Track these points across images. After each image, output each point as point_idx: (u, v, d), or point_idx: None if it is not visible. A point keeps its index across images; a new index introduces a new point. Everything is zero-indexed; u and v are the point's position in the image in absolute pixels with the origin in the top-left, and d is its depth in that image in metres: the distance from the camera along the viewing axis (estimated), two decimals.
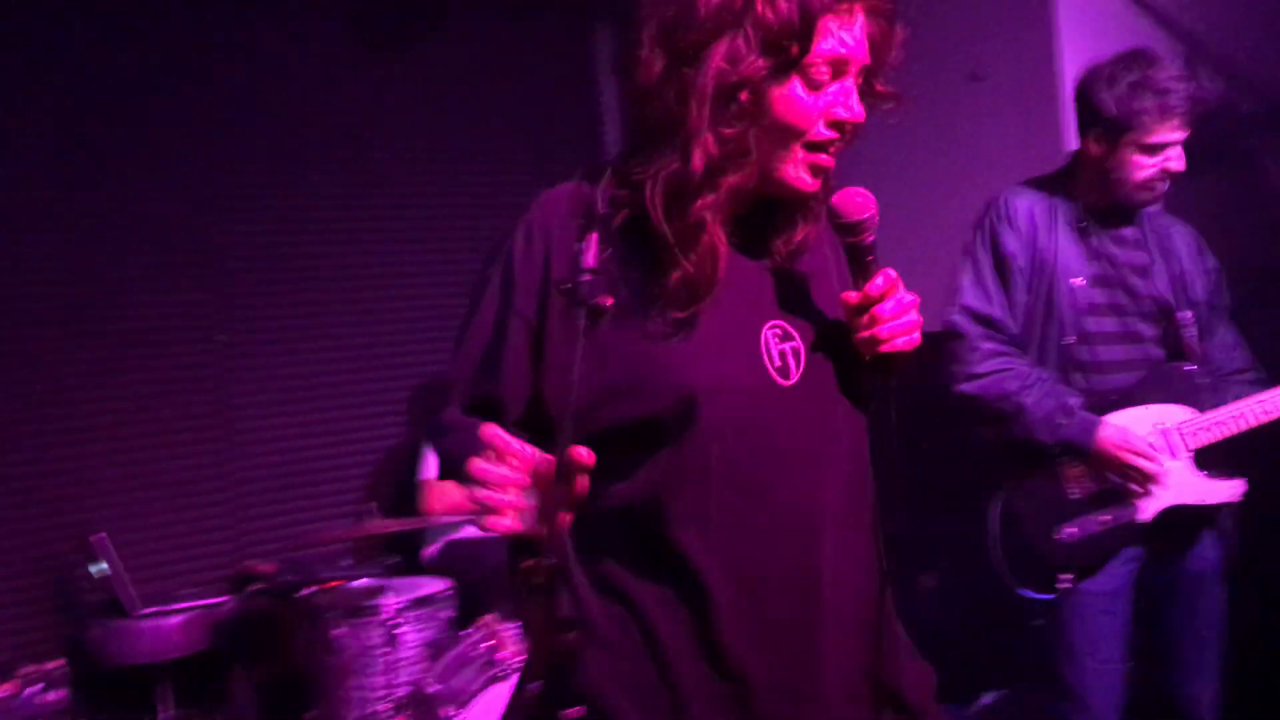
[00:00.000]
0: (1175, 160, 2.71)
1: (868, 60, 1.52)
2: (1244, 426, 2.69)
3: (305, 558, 4.28)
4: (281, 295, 4.74)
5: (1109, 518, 2.67)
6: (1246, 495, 2.72)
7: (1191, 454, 2.71)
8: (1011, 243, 2.76)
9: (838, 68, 1.49)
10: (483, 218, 5.16)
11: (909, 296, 1.52)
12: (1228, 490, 2.72)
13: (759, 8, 1.44)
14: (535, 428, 1.51)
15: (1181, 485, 2.69)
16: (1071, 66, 4.10)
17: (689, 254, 1.49)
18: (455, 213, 5.15)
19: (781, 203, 1.59)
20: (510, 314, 1.56)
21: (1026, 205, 2.79)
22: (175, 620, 4.04)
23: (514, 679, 3.38)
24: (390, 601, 3.68)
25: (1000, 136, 4.33)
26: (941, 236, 4.49)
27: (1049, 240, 2.75)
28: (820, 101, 1.49)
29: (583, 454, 1.31)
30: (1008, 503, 2.71)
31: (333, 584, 4.05)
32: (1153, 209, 2.87)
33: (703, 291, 1.51)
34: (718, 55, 1.44)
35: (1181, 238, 2.89)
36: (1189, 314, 2.78)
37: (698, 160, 1.45)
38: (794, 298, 1.60)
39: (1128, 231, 2.82)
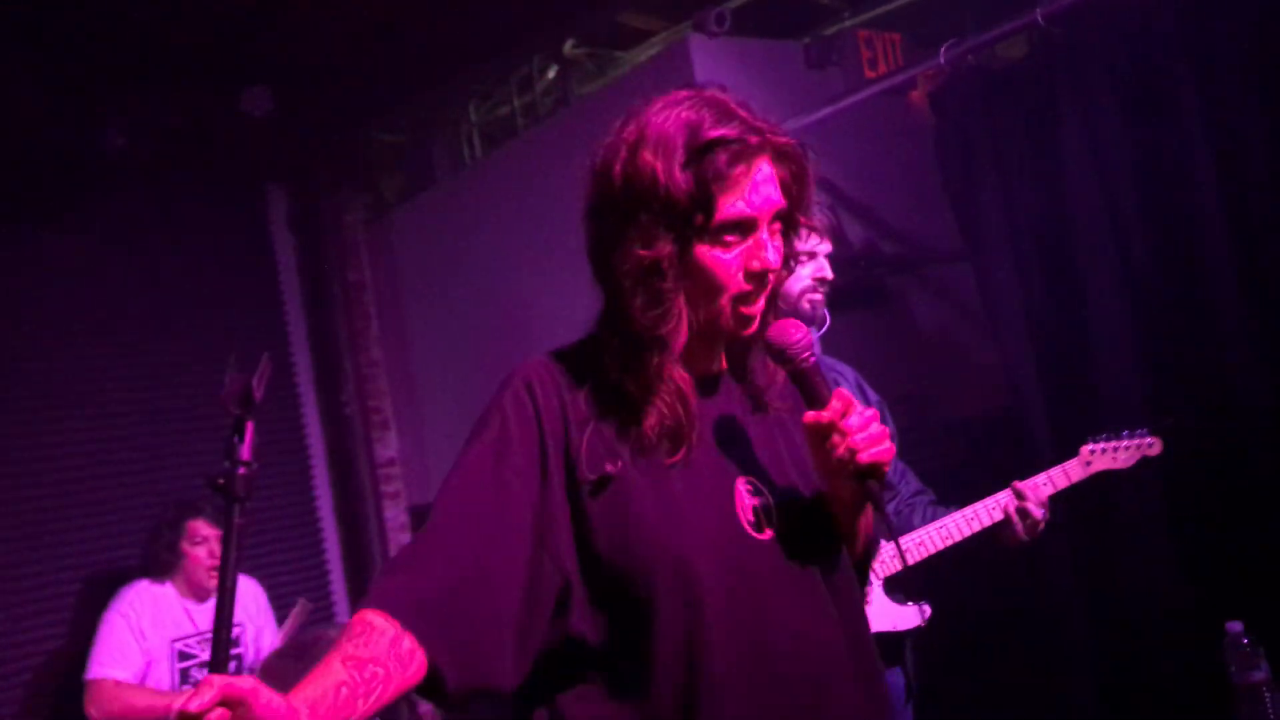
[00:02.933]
0: (826, 269, 2.85)
1: (781, 204, 1.60)
2: (927, 553, 2.83)
3: None
4: None
5: None
6: (929, 620, 2.84)
7: (880, 581, 2.82)
8: None
9: (744, 227, 1.57)
10: (145, 393, 4.87)
11: (868, 410, 1.57)
12: (914, 615, 2.83)
13: (661, 185, 1.52)
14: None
15: (873, 614, 2.75)
16: None
17: (657, 400, 1.56)
18: (116, 391, 4.84)
19: (733, 351, 1.69)
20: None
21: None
22: None
23: None
24: None
25: None
26: None
27: None
28: (736, 258, 1.56)
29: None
30: None
31: None
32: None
33: (684, 433, 1.57)
34: (633, 237, 1.54)
35: (843, 375, 3.04)
36: None
37: (637, 329, 1.55)
38: (761, 450, 1.66)
39: None
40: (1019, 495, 2.85)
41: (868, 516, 1.71)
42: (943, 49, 3.79)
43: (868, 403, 2.98)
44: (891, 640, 2.83)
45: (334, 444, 5.66)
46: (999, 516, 2.86)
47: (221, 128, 4.82)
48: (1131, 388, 3.56)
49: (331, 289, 5.75)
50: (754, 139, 1.56)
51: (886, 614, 2.81)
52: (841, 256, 4.60)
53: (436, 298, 5.55)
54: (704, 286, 1.57)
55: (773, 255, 1.58)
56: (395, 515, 5.68)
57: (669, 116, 1.57)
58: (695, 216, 1.53)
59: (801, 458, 1.68)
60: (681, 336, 1.59)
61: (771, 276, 1.59)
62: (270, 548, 4.91)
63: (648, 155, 1.55)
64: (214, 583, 4.15)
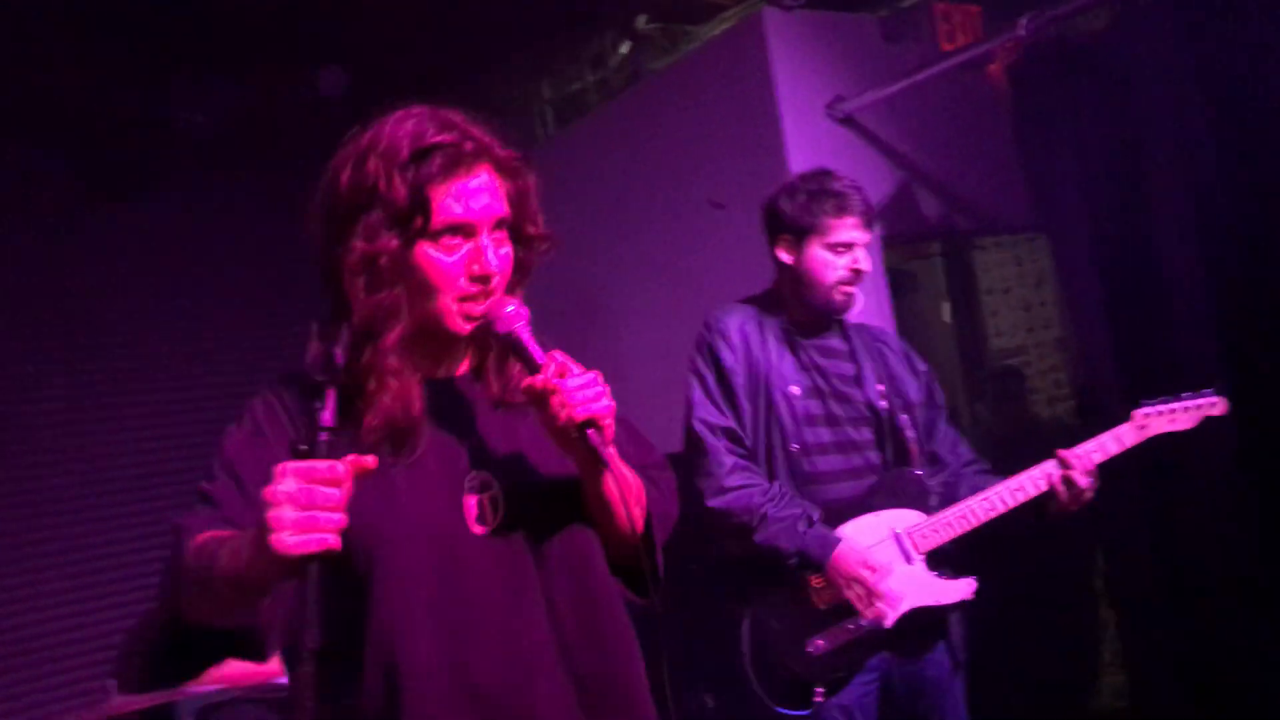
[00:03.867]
0: (862, 261, 2.84)
1: (504, 213, 1.68)
2: (971, 525, 2.79)
3: None
4: (3, 458, 4.41)
5: (854, 626, 2.69)
6: (976, 593, 2.80)
7: (924, 556, 2.79)
8: (729, 358, 2.83)
9: (465, 230, 1.64)
10: (221, 366, 4.97)
11: (588, 373, 1.62)
12: (960, 589, 2.78)
13: (382, 188, 1.60)
14: None
15: (918, 588, 2.75)
16: None
17: (380, 398, 1.62)
18: (192, 362, 4.94)
19: (476, 352, 1.77)
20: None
21: (738, 322, 2.88)
22: None
23: None
24: None
25: (741, 262, 4.50)
26: (684, 361, 4.63)
27: (762, 353, 2.83)
28: (457, 262, 1.64)
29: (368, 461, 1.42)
30: (755, 619, 2.70)
31: None
32: (858, 322, 2.99)
33: (405, 431, 1.64)
34: (358, 234, 1.61)
35: (889, 345, 3.02)
36: (906, 418, 2.88)
37: (358, 323, 1.60)
38: (497, 444, 1.72)
39: (835, 343, 2.93)
40: (1064, 464, 2.77)
41: (627, 486, 1.68)
42: (1022, 21, 3.74)
43: (916, 373, 2.99)
44: (936, 615, 2.80)
45: None
46: (1044, 487, 2.78)
47: (295, 107, 4.89)
48: (1209, 362, 3.50)
49: None
50: (469, 145, 1.64)
51: (929, 588, 2.77)
52: (915, 231, 4.60)
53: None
54: (423, 286, 1.64)
55: (493, 260, 1.64)
56: None
57: (397, 127, 1.66)
58: (415, 219, 1.61)
59: (545, 447, 1.70)
60: (397, 331, 1.64)
61: (494, 281, 1.66)
62: None
63: (373, 161, 1.62)
64: None
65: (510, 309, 1.65)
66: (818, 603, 2.71)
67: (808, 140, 4.21)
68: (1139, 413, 2.87)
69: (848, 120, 4.27)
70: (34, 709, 4.19)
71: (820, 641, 2.68)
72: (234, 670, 4.11)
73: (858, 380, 2.88)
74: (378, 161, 1.62)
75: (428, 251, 1.62)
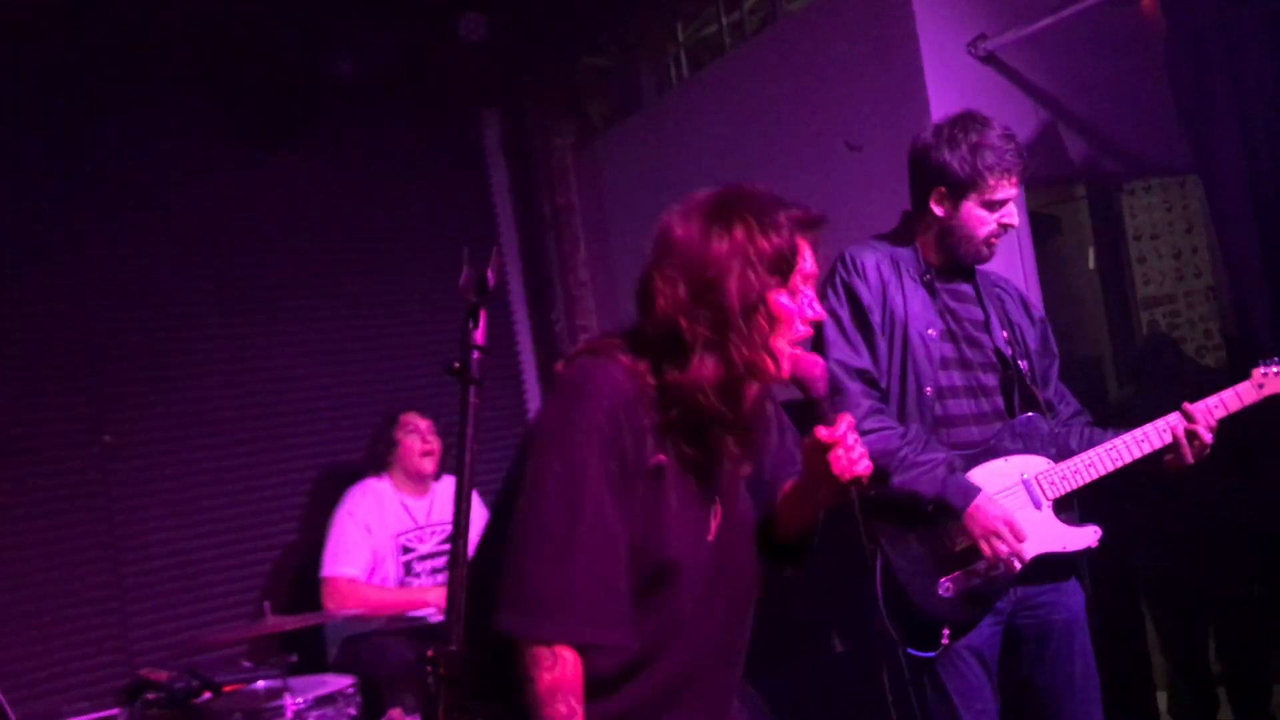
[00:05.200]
0: (1011, 216, 2.81)
1: (816, 272, 1.96)
2: (1098, 474, 2.78)
3: (201, 663, 4.15)
4: (164, 394, 4.64)
5: (984, 570, 2.70)
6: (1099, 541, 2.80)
7: (1051, 502, 2.77)
8: (865, 295, 2.81)
9: (808, 279, 1.91)
10: (368, 307, 5.14)
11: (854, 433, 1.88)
12: (1086, 536, 2.79)
13: (759, 243, 1.85)
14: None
15: (1046, 534, 2.75)
16: None
17: (750, 430, 1.92)
18: (341, 304, 5.12)
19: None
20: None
21: (874, 260, 2.85)
22: None
23: None
24: (291, 702, 3.57)
25: (878, 204, 4.44)
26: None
27: (899, 294, 2.81)
28: (799, 307, 1.89)
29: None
30: (887, 561, 2.71)
31: (231, 688, 3.92)
32: (980, 266, 2.95)
33: (757, 448, 1.99)
34: (735, 282, 1.84)
35: (1007, 292, 2.99)
36: (1026, 365, 2.87)
37: (739, 364, 1.84)
38: (729, 477, 1.98)
39: (965, 288, 2.90)
40: (1188, 417, 2.75)
41: (816, 515, 2.06)
42: None
43: (1033, 321, 2.96)
44: (1061, 561, 2.80)
45: (544, 360, 5.85)
46: (1167, 439, 2.77)
47: (438, 54, 4.99)
48: None
49: (542, 212, 5.90)
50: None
51: (1057, 535, 2.77)
52: (1060, 173, 4.47)
53: (642, 220, 5.59)
54: (781, 332, 1.87)
55: (820, 307, 1.94)
56: None
57: (767, 239, 1.88)
58: (783, 267, 1.87)
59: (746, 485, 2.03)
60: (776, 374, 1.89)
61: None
62: (483, 455, 5.11)
63: (753, 276, 1.85)
64: (428, 468, 4.44)
65: (820, 372, 1.89)
66: (950, 546, 2.71)
67: (948, 80, 4.12)
68: (1257, 371, 2.87)
69: (990, 59, 4.17)
70: (194, 625, 4.42)
71: (949, 583, 2.69)
72: (376, 600, 4.29)
73: (986, 326, 2.86)
74: (745, 224, 1.87)
75: (785, 297, 1.87)
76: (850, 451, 1.84)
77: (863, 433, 2.67)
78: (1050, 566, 2.77)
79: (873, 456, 2.60)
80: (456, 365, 1.46)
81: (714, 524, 1.93)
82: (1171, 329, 5.47)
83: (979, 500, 2.66)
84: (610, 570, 1.77)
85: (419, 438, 4.43)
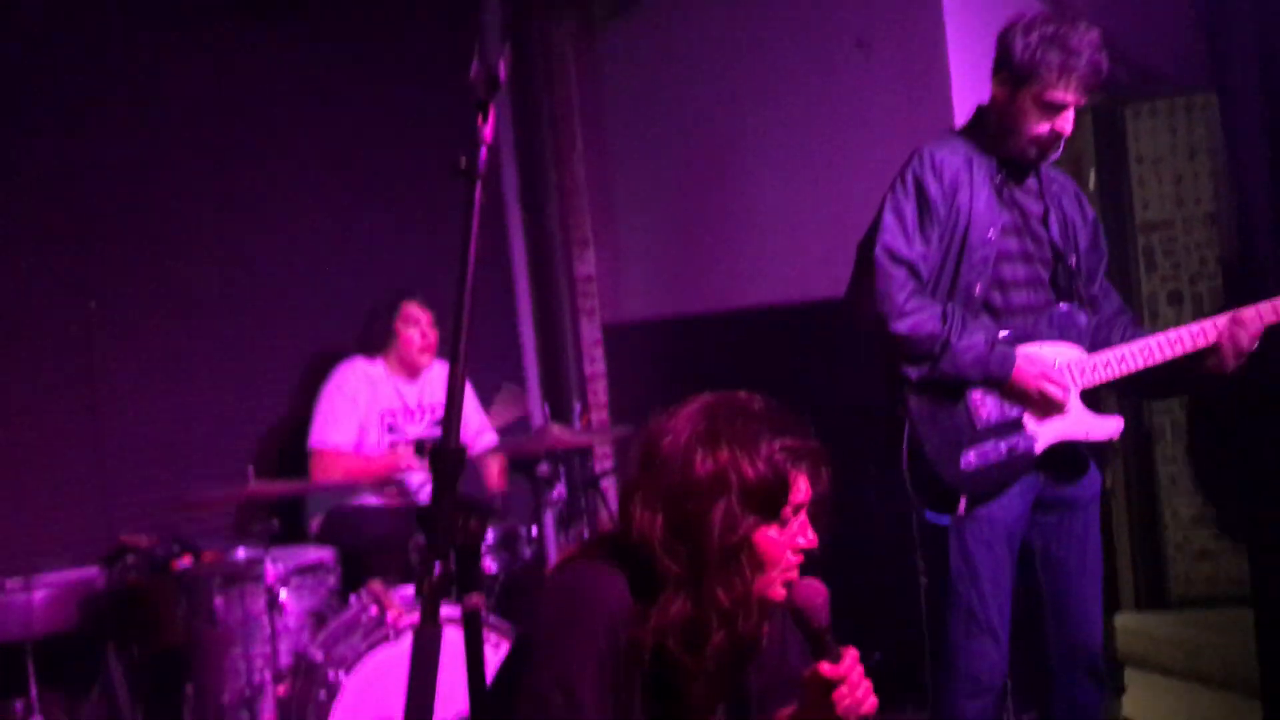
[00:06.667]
0: (1065, 123, 2.79)
1: (813, 495, 1.83)
2: (1130, 369, 2.82)
3: (182, 531, 4.14)
4: (153, 260, 4.56)
5: (1005, 448, 2.77)
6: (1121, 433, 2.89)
7: (1080, 391, 2.84)
8: (935, 192, 2.81)
9: (798, 509, 1.80)
10: (363, 186, 5.07)
11: (859, 666, 1.74)
12: (1110, 427, 2.86)
13: (745, 472, 1.74)
14: None
15: (1071, 420, 2.82)
16: (956, 34, 4.18)
17: (717, 677, 1.81)
18: (333, 181, 5.03)
19: None
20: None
21: (948, 158, 2.85)
22: (40, 595, 3.85)
23: (404, 640, 3.30)
24: (272, 569, 3.56)
25: (887, 104, 4.39)
26: (830, 203, 4.56)
27: (967, 193, 2.82)
28: (788, 536, 1.79)
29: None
30: (914, 428, 2.78)
31: (211, 556, 3.92)
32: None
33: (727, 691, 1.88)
34: (715, 520, 1.73)
35: (1064, 188, 3.00)
36: (1074, 260, 2.92)
37: (710, 610, 1.75)
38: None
39: (1030, 181, 2.94)
40: (1237, 321, 2.77)
41: None
42: None
43: (1085, 219, 2.94)
44: (1082, 449, 2.89)
45: (535, 257, 5.79)
46: (1210, 340, 2.80)
47: None
48: None
49: (539, 106, 5.80)
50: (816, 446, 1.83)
51: (1082, 421, 2.84)
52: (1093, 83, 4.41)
53: (641, 119, 5.54)
54: (766, 567, 1.78)
55: (815, 534, 1.82)
56: (590, 332, 5.79)
57: (748, 425, 1.79)
58: (771, 500, 1.76)
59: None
60: (753, 623, 1.80)
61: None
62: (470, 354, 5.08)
63: (726, 451, 1.76)
64: (424, 362, 4.41)
65: (820, 601, 1.73)
66: (974, 422, 2.78)
67: None
68: None
69: None
70: (179, 485, 4.38)
71: (972, 456, 2.75)
72: (362, 467, 4.27)
73: (1045, 220, 2.91)
74: (730, 451, 1.75)
75: (772, 531, 1.77)
76: (856, 689, 1.70)
77: (903, 314, 2.73)
78: (1071, 453, 2.86)
79: (917, 340, 2.73)
80: (464, 161, 1.43)
81: None
82: (1167, 255, 5.45)
83: (1019, 363, 2.75)
84: None
85: (419, 332, 4.39)
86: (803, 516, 1.80)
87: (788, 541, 1.78)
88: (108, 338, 4.45)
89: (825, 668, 1.67)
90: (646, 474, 1.80)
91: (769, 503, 1.75)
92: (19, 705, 3.77)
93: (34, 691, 3.73)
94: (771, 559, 1.77)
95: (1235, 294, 3.84)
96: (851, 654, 1.70)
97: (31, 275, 4.32)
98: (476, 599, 1.28)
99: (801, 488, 1.78)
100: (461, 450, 1.32)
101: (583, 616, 1.73)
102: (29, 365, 4.31)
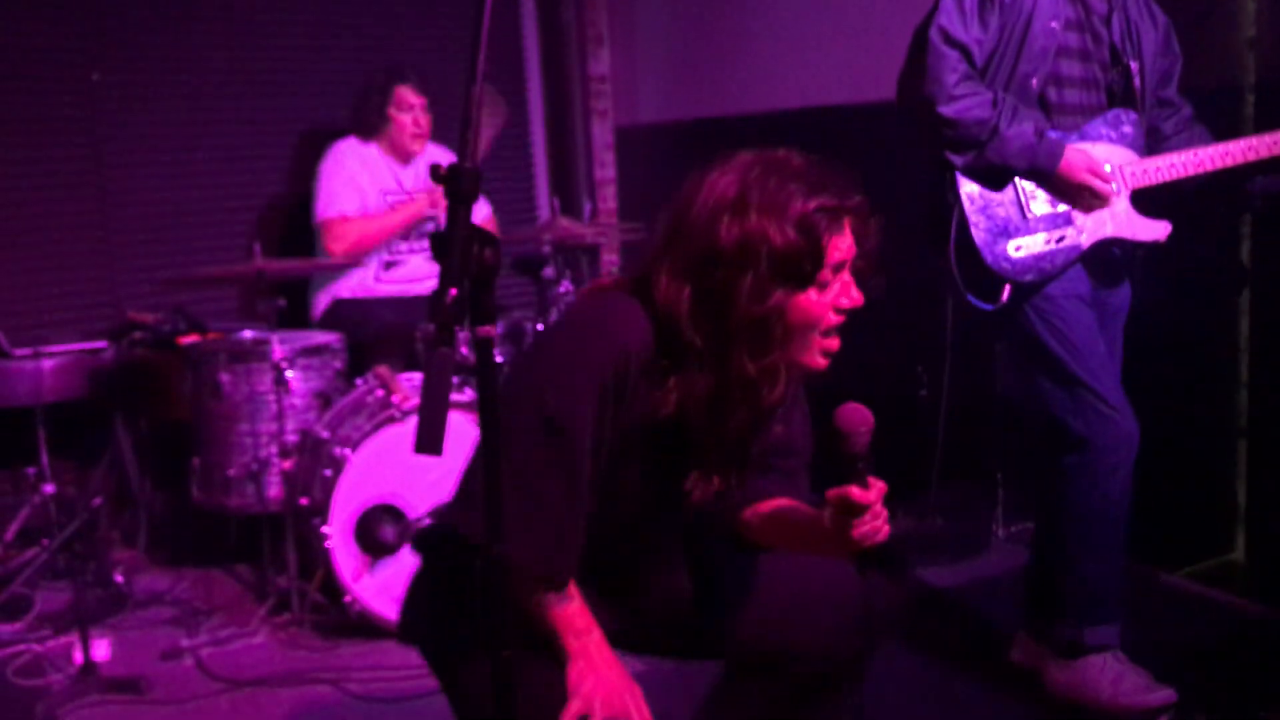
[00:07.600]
0: None
1: (856, 252, 1.77)
2: (1180, 174, 2.81)
3: (189, 310, 4.14)
4: (156, 38, 4.46)
5: (1054, 240, 2.77)
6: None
7: (1129, 193, 2.82)
8: None
9: (838, 269, 1.74)
10: None
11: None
12: (1157, 229, 2.85)
13: (774, 241, 1.67)
14: None
15: (1119, 220, 2.82)
16: None
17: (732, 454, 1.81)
18: None
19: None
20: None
21: None
22: (49, 364, 3.89)
23: (410, 421, 3.33)
24: (279, 347, 3.57)
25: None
26: (852, 7, 4.40)
27: None
28: (828, 297, 1.73)
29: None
30: (963, 217, 2.75)
31: (217, 334, 3.93)
32: None
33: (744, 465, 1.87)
34: (743, 291, 1.68)
35: (1158, 22, 2.92)
36: (1135, 64, 2.85)
37: (735, 384, 1.72)
38: None
39: None
40: None
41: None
42: None
43: (1155, 23, 2.92)
44: (1128, 250, 2.90)
45: (548, 55, 5.64)
46: (1262, 154, 2.77)
47: None
48: None
49: None
50: (850, 203, 1.74)
51: (1129, 222, 2.83)
52: None
53: None
54: (801, 330, 1.73)
55: (859, 293, 1.77)
56: (602, 134, 5.69)
57: (781, 187, 1.70)
58: (804, 265, 1.69)
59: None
60: (779, 391, 1.76)
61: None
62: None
63: (756, 216, 1.68)
64: (416, 149, 4.33)
65: (866, 428, 1.66)
66: (1025, 211, 2.77)
67: None
68: None
69: None
70: (185, 264, 4.38)
71: (1020, 246, 2.75)
72: (376, 227, 4.23)
73: (1107, 20, 2.83)
74: (759, 217, 1.68)
75: (809, 295, 1.71)
76: (878, 519, 1.69)
77: (951, 98, 2.68)
78: (1117, 254, 2.87)
79: (964, 124, 2.67)
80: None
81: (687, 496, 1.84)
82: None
83: (1068, 154, 2.72)
84: (568, 527, 1.73)
85: (412, 119, 4.28)
86: (845, 275, 1.75)
87: (831, 302, 1.73)
88: (111, 112, 4.39)
89: (855, 492, 1.65)
90: (673, 242, 1.73)
91: (801, 270, 1.69)
92: (31, 471, 3.85)
93: (45, 459, 3.80)
94: (810, 321, 1.72)
95: (1265, 117, 3.75)
96: (880, 487, 1.68)
97: (33, 40, 4.23)
98: (489, 329, 1.27)
99: (841, 246, 1.72)
100: (477, 171, 1.27)
101: (597, 341, 1.70)
102: (34, 141, 4.26)
